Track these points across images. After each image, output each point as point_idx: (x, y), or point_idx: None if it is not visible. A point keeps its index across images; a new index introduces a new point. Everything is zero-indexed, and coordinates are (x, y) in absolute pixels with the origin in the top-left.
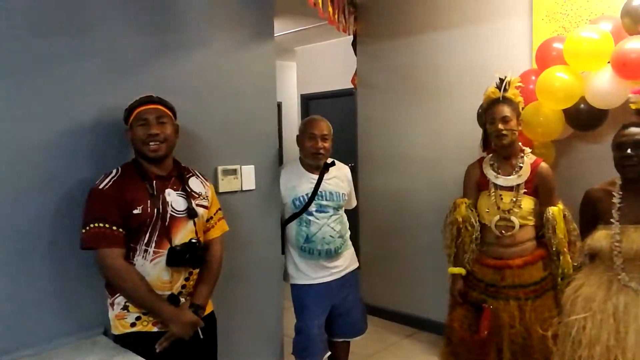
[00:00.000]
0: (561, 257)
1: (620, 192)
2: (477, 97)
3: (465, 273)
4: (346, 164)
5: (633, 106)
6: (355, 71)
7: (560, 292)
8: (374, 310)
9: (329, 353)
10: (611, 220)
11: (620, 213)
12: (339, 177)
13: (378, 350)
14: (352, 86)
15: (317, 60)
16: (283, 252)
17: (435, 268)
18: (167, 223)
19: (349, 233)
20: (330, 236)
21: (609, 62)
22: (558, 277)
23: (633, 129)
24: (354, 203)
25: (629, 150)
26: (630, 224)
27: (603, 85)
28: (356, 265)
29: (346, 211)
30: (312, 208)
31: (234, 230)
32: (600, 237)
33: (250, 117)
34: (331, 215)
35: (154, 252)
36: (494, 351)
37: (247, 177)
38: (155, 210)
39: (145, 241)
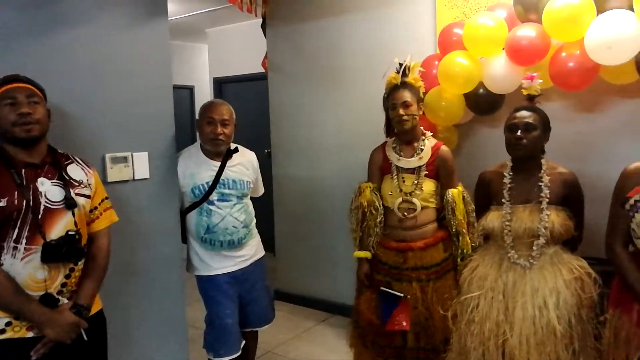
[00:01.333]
0: (460, 238)
1: (511, 174)
2: (382, 82)
3: (370, 256)
4: (261, 150)
5: (524, 91)
6: (266, 55)
7: (459, 273)
8: (289, 297)
9: (243, 342)
10: (502, 200)
11: (510, 194)
12: (243, 164)
13: (292, 337)
14: (264, 70)
15: (229, 43)
16: (185, 242)
17: (347, 253)
18: (40, 216)
19: (254, 222)
20: (234, 226)
21: (504, 49)
22: (458, 258)
23: (524, 112)
24: (261, 191)
25: (519, 132)
26: (519, 204)
27: (499, 71)
28: (263, 253)
29: (261, 198)
30: (214, 197)
31: (127, 222)
32: (492, 218)
33: (142, 101)
34: (235, 204)
35: (25, 249)
36: (399, 333)
37: (140, 164)
38: (25, 202)
39: (14, 237)
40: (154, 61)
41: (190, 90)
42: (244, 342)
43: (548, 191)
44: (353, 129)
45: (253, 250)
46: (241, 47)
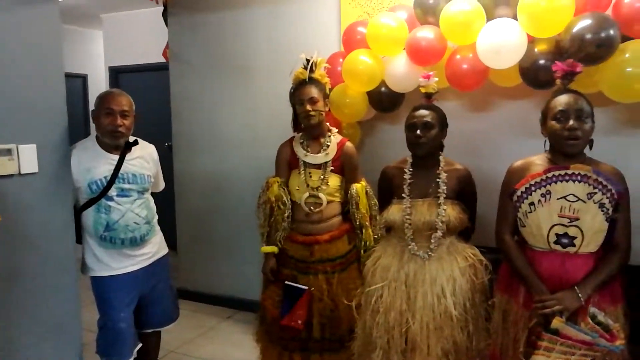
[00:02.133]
0: (364, 231)
1: (411, 169)
2: (289, 77)
3: (277, 251)
4: (161, 143)
5: (422, 90)
6: (167, 44)
7: (363, 264)
8: (192, 295)
9: (140, 345)
10: (403, 195)
11: (410, 188)
12: (143, 157)
13: (196, 336)
14: (165, 60)
15: (126, 30)
16: (80, 242)
17: (254, 247)
18: None
19: (156, 218)
20: (135, 223)
21: (404, 49)
22: (361, 250)
23: (422, 111)
24: (161, 185)
25: (418, 131)
26: (418, 198)
27: (399, 70)
28: (166, 251)
29: (161, 193)
30: (113, 192)
31: (12, 221)
32: (394, 211)
33: (29, 89)
34: (135, 200)
35: None
36: (305, 325)
37: (27, 158)
38: None
39: None
40: (43, 46)
41: (83, 79)
42: (140, 345)
43: (445, 187)
44: (259, 123)
45: (156, 247)
46: (140, 35)
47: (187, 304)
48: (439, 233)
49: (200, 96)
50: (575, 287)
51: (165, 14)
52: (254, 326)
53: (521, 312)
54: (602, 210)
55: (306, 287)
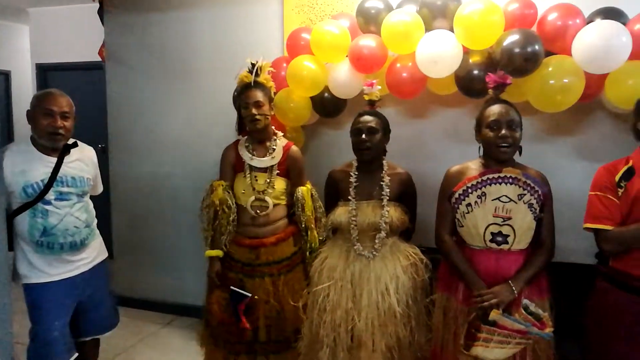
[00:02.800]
0: (309, 233)
1: (356, 173)
2: (233, 80)
3: (222, 255)
4: (95, 145)
5: (366, 97)
6: (103, 43)
7: (308, 265)
8: (130, 302)
9: (76, 355)
10: (349, 197)
11: (356, 191)
12: (82, 159)
13: (134, 343)
14: (100, 59)
15: (57, 26)
16: (11, 249)
17: (195, 252)
18: None
19: (95, 221)
20: (75, 227)
21: (347, 56)
22: (307, 251)
23: (367, 117)
24: (100, 189)
25: (363, 136)
26: (363, 200)
27: (342, 77)
28: (105, 255)
29: (95, 197)
30: (50, 196)
31: None
32: (340, 213)
33: None
34: (75, 203)
35: None
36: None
37: None
38: None
39: None
40: None
41: (6, 75)
42: (76, 354)
43: (388, 190)
44: (201, 125)
45: (95, 252)
46: (71, 32)
47: (125, 310)
48: (383, 233)
49: (139, 97)
50: (510, 282)
51: (101, 12)
52: (197, 331)
53: (460, 308)
54: (531, 210)
55: (249, 295)
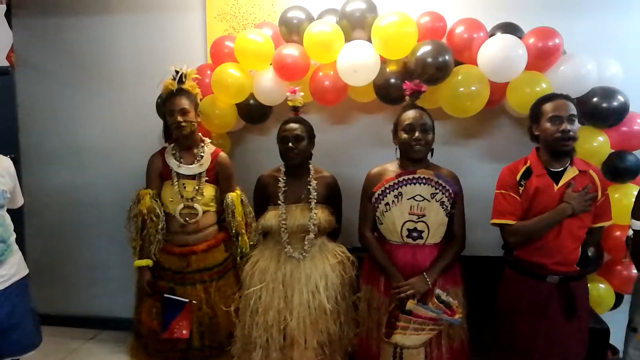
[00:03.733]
0: (240, 238)
1: (284, 178)
2: (155, 87)
3: (152, 264)
4: (3, 155)
5: (290, 103)
6: (12, 48)
7: (240, 270)
8: (48, 319)
9: None
10: (278, 202)
11: (285, 195)
12: None
13: None
14: (8, 64)
15: None
16: None
17: (119, 263)
18: None
19: (13, 236)
20: None
21: (271, 64)
22: (238, 257)
23: (292, 125)
24: (20, 201)
25: (290, 144)
26: (292, 204)
27: (267, 84)
28: (25, 272)
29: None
30: None
31: None
32: (270, 217)
33: None
34: None
35: None
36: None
37: None
38: None
39: None
40: None
41: None
42: None
43: (315, 193)
44: (121, 133)
45: (14, 268)
46: None
47: (44, 328)
48: (312, 235)
49: (54, 104)
50: (424, 273)
51: (8, 15)
52: (124, 344)
53: (382, 299)
54: (443, 207)
55: (187, 300)
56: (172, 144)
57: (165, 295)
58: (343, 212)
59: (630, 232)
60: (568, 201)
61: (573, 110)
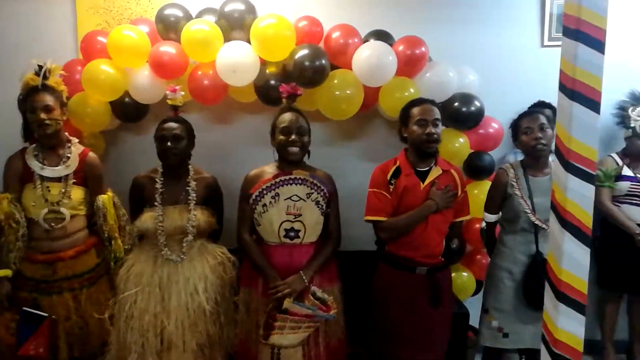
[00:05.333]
0: (113, 242)
1: (162, 179)
2: (15, 82)
3: (11, 274)
4: None
5: (169, 102)
6: None
7: (114, 275)
8: None
9: None
10: (155, 203)
11: (162, 196)
12: None
13: None
14: None
15: None
16: None
17: None
18: None
19: None
20: None
21: (148, 62)
22: (111, 262)
23: (171, 124)
24: None
25: (169, 143)
26: (170, 205)
27: (143, 82)
28: None
29: None
30: None
31: None
32: (146, 219)
33: None
34: None
35: None
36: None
37: None
38: None
39: None
40: None
41: None
42: None
43: (195, 194)
44: None
45: None
46: None
47: None
48: (190, 237)
49: None
50: (301, 272)
51: None
52: None
53: (261, 301)
54: (318, 207)
55: (46, 315)
56: (34, 144)
57: (24, 308)
58: (226, 213)
59: (484, 224)
60: (433, 198)
61: (437, 114)
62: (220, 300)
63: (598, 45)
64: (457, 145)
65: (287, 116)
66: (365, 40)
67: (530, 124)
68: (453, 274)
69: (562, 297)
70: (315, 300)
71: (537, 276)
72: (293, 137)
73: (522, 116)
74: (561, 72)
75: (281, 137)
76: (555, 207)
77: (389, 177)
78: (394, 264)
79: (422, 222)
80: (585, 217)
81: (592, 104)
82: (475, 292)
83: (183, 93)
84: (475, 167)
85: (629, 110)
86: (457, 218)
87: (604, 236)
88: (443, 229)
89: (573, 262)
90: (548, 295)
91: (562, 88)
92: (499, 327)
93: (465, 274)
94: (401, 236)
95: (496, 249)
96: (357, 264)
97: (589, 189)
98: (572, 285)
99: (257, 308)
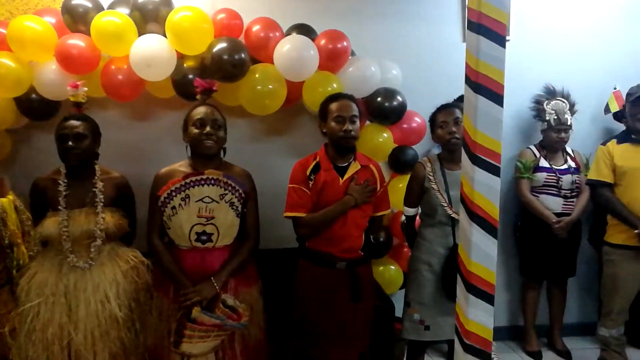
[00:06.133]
0: (15, 249)
1: (65, 180)
2: None
3: None
4: None
5: (72, 98)
6: None
7: (16, 285)
8: None
9: None
10: (59, 207)
11: (66, 199)
12: None
13: None
14: None
15: None
16: None
17: None
18: None
19: None
20: None
21: (55, 55)
22: (13, 270)
23: (73, 122)
24: None
25: (70, 142)
26: (75, 208)
27: (50, 77)
28: None
29: None
30: None
31: None
32: (49, 224)
33: None
34: None
35: None
36: None
37: None
38: None
39: None
40: None
41: None
42: None
43: (102, 195)
44: None
45: None
46: None
47: None
48: (99, 241)
49: None
50: (212, 278)
51: None
52: None
53: (172, 307)
54: (233, 208)
55: None
56: None
57: None
58: (143, 215)
59: (403, 218)
60: (351, 193)
61: (355, 111)
62: (135, 306)
63: (499, 39)
64: (380, 140)
65: (201, 109)
66: (288, 34)
67: (446, 118)
68: (381, 268)
69: (471, 288)
70: (226, 309)
71: (454, 268)
72: (208, 129)
73: (438, 110)
74: (466, 65)
75: (195, 130)
76: (463, 200)
77: (308, 173)
78: (313, 260)
79: (341, 217)
80: (492, 209)
81: (496, 97)
82: (404, 285)
83: (86, 89)
84: (400, 161)
85: (544, 104)
86: (377, 213)
87: (525, 226)
88: (362, 224)
89: (481, 253)
90: (459, 287)
91: (468, 81)
92: (420, 319)
93: (393, 267)
94: (320, 232)
95: (416, 242)
96: (285, 262)
97: (495, 181)
98: (480, 277)
99: (169, 315)
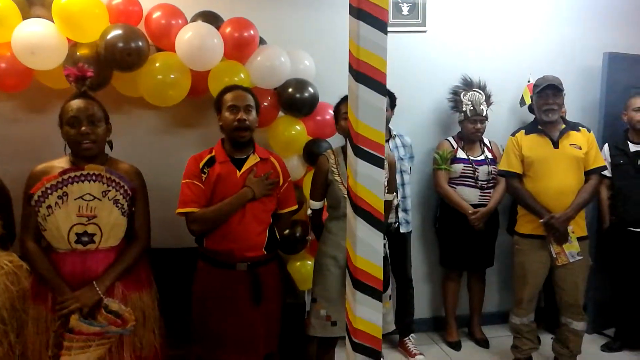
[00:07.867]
0: None
1: None
2: None
3: None
4: None
5: None
6: None
7: None
8: None
9: None
10: None
11: None
12: None
13: None
14: None
15: None
16: None
17: None
18: None
19: None
20: None
21: None
22: None
23: None
24: None
25: None
26: None
27: None
28: None
29: None
30: None
31: None
32: None
33: None
34: None
35: None
36: None
37: None
38: None
39: None
40: None
41: None
42: None
43: None
44: None
45: None
46: None
47: None
48: None
49: None
50: (94, 282)
51: None
52: None
53: (50, 317)
54: (117, 206)
55: None
56: None
57: None
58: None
59: (309, 212)
60: (249, 186)
61: (250, 101)
62: (8, 317)
63: (380, 24)
64: (294, 132)
65: (74, 103)
66: (193, 22)
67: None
68: (297, 263)
69: (358, 284)
70: (109, 314)
71: None
72: (83, 128)
73: (342, 101)
74: (349, 53)
75: (69, 129)
76: (349, 193)
77: (201, 166)
78: (212, 262)
79: (237, 211)
80: (377, 202)
81: (378, 86)
82: None
83: None
84: (314, 154)
85: (461, 95)
86: (283, 209)
87: (443, 217)
88: (264, 219)
89: (367, 248)
90: (348, 283)
91: (350, 69)
92: (327, 315)
93: (309, 262)
94: (214, 228)
95: (322, 236)
96: (186, 262)
97: (379, 173)
98: (367, 272)
99: (47, 325)
